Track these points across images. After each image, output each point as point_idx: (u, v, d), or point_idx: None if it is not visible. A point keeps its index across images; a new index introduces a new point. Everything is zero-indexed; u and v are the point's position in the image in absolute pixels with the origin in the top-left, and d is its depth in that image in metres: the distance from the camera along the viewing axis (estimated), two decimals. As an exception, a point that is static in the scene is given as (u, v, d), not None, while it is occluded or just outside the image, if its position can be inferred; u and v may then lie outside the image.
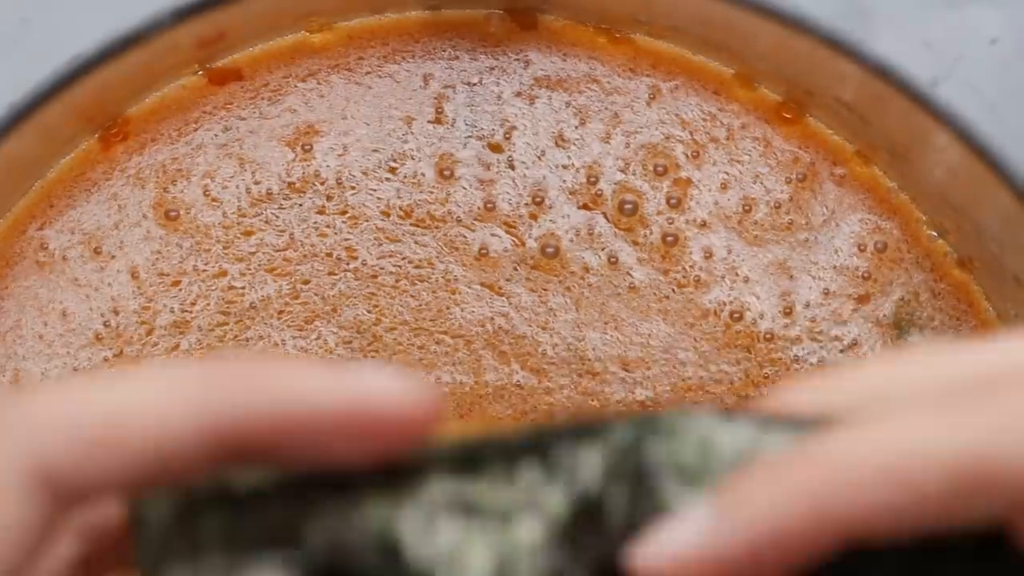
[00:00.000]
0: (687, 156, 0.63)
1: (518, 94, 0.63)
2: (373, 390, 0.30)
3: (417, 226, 0.62)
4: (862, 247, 0.63)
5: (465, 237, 0.62)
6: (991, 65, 0.58)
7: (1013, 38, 0.58)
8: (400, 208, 0.62)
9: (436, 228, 0.62)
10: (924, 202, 0.62)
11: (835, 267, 0.63)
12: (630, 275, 0.63)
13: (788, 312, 0.63)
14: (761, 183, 0.63)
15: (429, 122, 0.63)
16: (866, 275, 0.63)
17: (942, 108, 0.58)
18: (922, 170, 0.61)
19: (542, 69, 0.63)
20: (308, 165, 0.63)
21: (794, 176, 0.63)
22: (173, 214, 0.62)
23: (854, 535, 0.28)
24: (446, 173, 0.63)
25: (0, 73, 0.57)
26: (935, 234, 0.63)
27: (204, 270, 0.62)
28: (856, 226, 0.63)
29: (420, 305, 0.62)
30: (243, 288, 0.62)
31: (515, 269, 0.62)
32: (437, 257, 0.62)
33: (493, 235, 0.62)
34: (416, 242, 0.62)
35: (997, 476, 0.28)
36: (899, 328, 0.63)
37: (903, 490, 0.28)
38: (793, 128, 0.63)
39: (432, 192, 0.62)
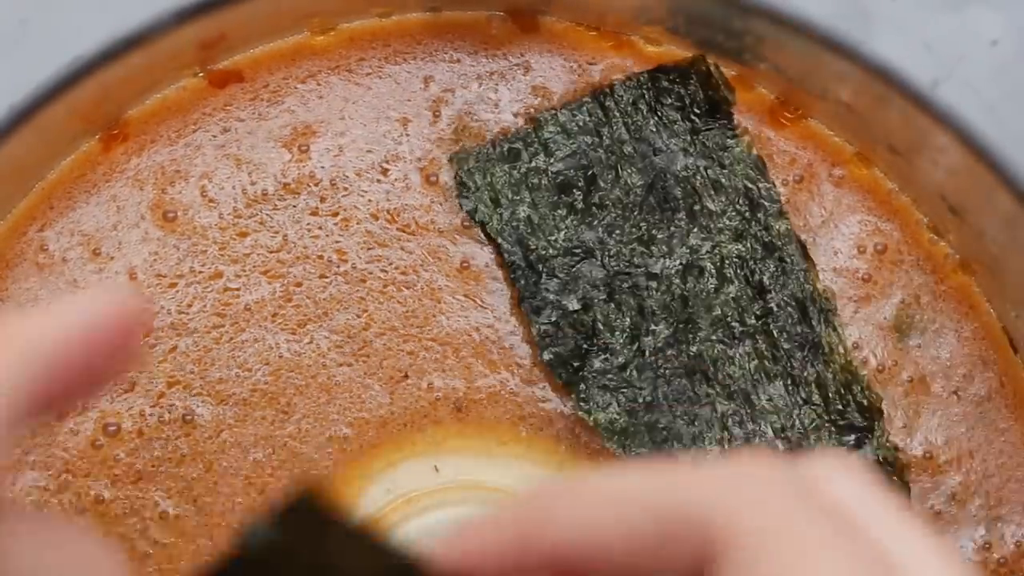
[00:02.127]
0: (687, 158, 0.64)
1: (515, 100, 0.64)
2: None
3: (403, 231, 0.63)
4: (862, 249, 0.64)
5: (447, 249, 0.63)
6: (991, 67, 0.58)
7: (1013, 40, 0.58)
8: (388, 212, 0.63)
9: (420, 235, 0.63)
10: (924, 204, 0.63)
11: (835, 268, 0.63)
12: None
13: (789, 314, 0.63)
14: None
15: (425, 125, 0.64)
16: (866, 277, 0.64)
17: (942, 109, 0.58)
18: (922, 171, 0.62)
19: (541, 75, 0.64)
20: (304, 166, 0.64)
21: (791, 178, 0.64)
22: (171, 215, 0.63)
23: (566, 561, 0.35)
24: (432, 179, 0.64)
25: (0, 74, 0.58)
26: (936, 236, 0.63)
27: (200, 271, 0.63)
28: (855, 227, 0.64)
29: (407, 311, 0.63)
30: (238, 290, 0.63)
31: (496, 284, 0.63)
32: (422, 265, 0.63)
33: (474, 249, 0.63)
34: (402, 248, 0.63)
35: (693, 518, 0.34)
36: (900, 331, 0.63)
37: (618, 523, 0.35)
38: (792, 129, 0.64)
39: (417, 198, 0.63)
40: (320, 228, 0.63)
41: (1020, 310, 0.61)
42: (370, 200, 0.63)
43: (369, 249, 0.63)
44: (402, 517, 0.61)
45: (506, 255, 0.62)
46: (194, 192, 0.63)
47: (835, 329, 0.62)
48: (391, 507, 0.61)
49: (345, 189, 0.63)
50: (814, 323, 0.62)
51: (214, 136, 0.63)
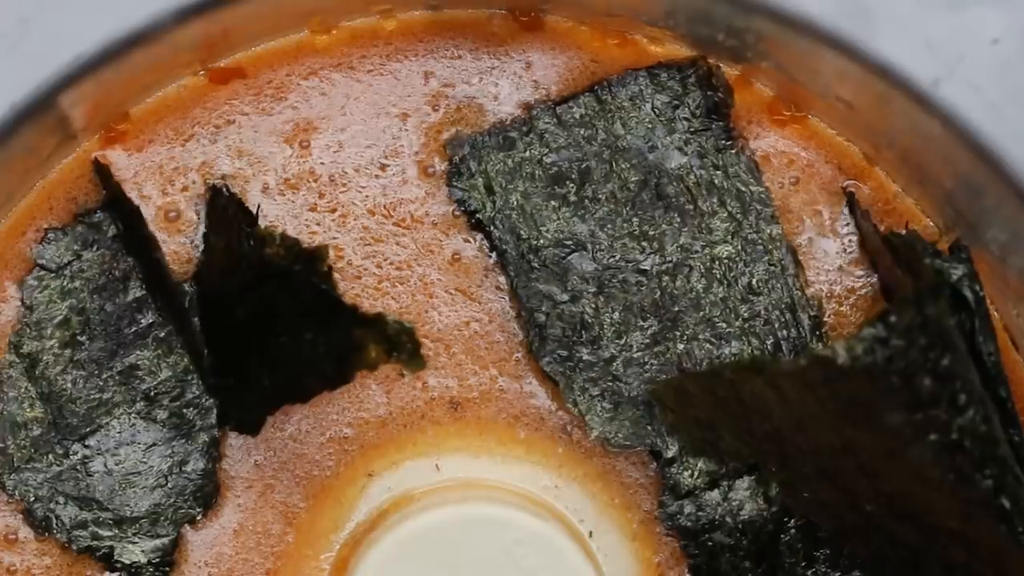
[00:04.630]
0: (689, 156, 0.64)
1: (515, 94, 0.64)
2: None
3: (398, 226, 0.64)
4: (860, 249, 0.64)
5: (440, 241, 0.64)
6: (992, 65, 0.59)
7: (1015, 39, 0.59)
8: (384, 207, 0.64)
9: (415, 229, 0.64)
10: (925, 202, 0.64)
11: (838, 268, 0.64)
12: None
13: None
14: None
15: (424, 117, 0.64)
16: (867, 278, 0.64)
17: (944, 108, 0.59)
18: (922, 170, 0.62)
19: (543, 72, 0.65)
20: (304, 161, 0.64)
21: (787, 180, 0.64)
22: (172, 215, 0.63)
23: None
24: (429, 170, 0.64)
25: (0, 73, 0.58)
26: (937, 233, 0.64)
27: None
28: (853, 228, 0.64)
29: (401, 308, 0.64)
30: (240, 288, 0.63)
31: (485, 276, 0.64)
32: (415, 259, 0.64)
33: (466, 240, 0.64)
34: (397, 243, 0.64)
35: None
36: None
37: None
38: (793, 128, 0.64)
39: (413, 191, 0.64)
40: (318, 224, 0.64)
41: (1021, 309, 0.62)
42: (367, 196, 0.64)
43: (366, 245, 0.64)
44: (404, 515, 0.62)
45: (498, 243, 0.63)
46: (195, 191, 0.63)
47: (821, 337, 0.63)
48: (393, 504, 0.62)
49: (344, 185, 0.64)
50: (802, 328, 0.63)
51: (215, 132, 0.64)
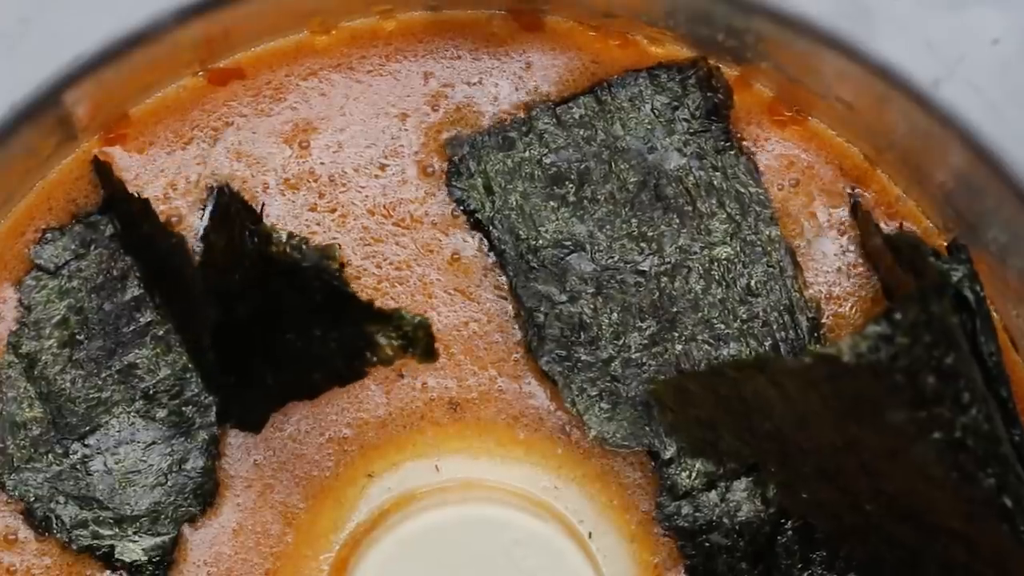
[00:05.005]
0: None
1: (515, 95, 0.64)
2: None
3: (398, 226, 0.64)
4: (858, 250, 0.64)
5: (439, 240, 0.64)
6: (993, 66, 0.59)
7: (1015, 39, 0.59)
8: (384, 207, 0.64)
9: (415, 229, 0.64)
10: (925, 203, 0.64)
11: (837, 269, 0.64)
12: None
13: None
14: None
15: (423, 118, 0.64)
16: (867, 279, 0.64)
17: (944, 108, 0.59)
18: (923, 170, 0.62)
19: (543, 72, 0.65)
20: (304, 162, 0.64)
21: (787, 182, 0.64)
22: (175, 220, 0.63)
23: None
24: (428, 170, 0.64)
25: (0, 73, 0.58)
26: (937, 234, 0.64)
27: (202, 272, 0.63)
28: (854, 230, 0.64)
29: (400, 308, 0.63)
30: (239, 290, 0.63)
31: (484, 276, 0.64)
32: (415, 259, 0.64)
33: (464, 239, 0.64)
34: (397, 243, 0.64)
35: None
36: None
37: None
38: (794, 130, 0.65)
39: (412, 191, 0.64)
40: (318, 224, 0.64)
41: (1020, 309, 0.62)
42: (367, 196, 0.64)
43: (365, 245, 0.64)
44: (404, 515, 0.62)
45: (496, 243, 0.63)
46: (196, 192, 0.63)
47: (820, 339, 0.63)
48: (393, 504, 0.62)
49: (343, 185, 0.64)
50: (800, 330, 0.63)
51: (214, 134, 0.64)
